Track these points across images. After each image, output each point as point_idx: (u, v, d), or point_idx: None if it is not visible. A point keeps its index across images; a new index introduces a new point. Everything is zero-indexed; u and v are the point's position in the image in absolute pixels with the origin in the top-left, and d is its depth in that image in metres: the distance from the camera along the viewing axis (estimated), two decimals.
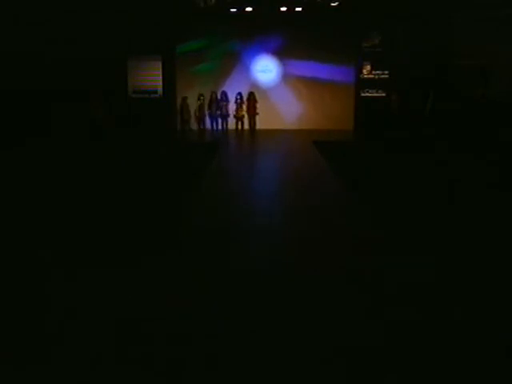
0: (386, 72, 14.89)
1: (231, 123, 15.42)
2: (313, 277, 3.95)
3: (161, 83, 15.01)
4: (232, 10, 14.14)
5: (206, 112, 15.30)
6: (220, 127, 15.45)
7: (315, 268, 4.13)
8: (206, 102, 15.24)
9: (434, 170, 8.63)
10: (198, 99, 15.23)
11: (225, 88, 15.31)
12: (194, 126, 15.43)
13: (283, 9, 14.17)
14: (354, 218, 5.81)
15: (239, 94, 15.12)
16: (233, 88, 15.21)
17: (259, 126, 15.31)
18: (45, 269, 4.08)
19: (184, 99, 15.14)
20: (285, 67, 15.42)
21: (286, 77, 15.47)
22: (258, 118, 15.28)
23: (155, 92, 15.04)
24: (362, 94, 15.08)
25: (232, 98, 15.21)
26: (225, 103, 15.30)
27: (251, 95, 15.08)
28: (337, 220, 5.68)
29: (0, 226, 5.33)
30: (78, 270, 4.04)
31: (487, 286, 3.78)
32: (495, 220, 5.57)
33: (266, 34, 14.92)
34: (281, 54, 15.30)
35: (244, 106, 15.23)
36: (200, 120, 15.39)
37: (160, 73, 14.94)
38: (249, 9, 14.11)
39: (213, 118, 15.39)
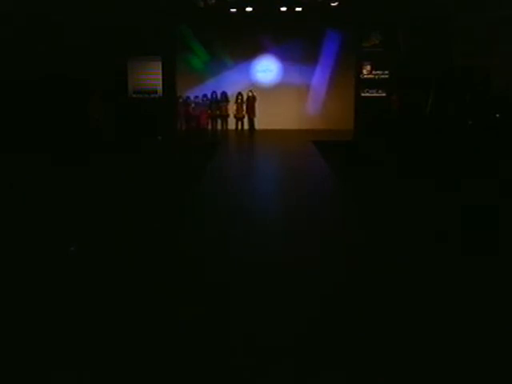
0: (386, 72, 14.89)
1: (231, 123, 15.41)
2: (313, 277, 3.96)
3: (160, 83, 15.00)
4: (232, 10, 14.14)
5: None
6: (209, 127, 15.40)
7: (315, 268, 4.14)
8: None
9: (434, 170, 8.62)
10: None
11: (225, 88, 15.30)
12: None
13: (283, 9, 14.17)
14: (354, 217, 5.81)
15: (240, 94, 15.10)
16: (232, 88, 15.19)
17: (259, 126, 15.29)
18: (45, 269, 4.08)
19: (186, 99, 15.13)
20: (285, 67, 15.42)
21: (285, 77, 15.47)
22: (257, 117, 15.26)
23: (155, 92, 15.04)
24: (362, 94, 15.07)
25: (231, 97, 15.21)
26: (225, 103, 15.30)
27: (250, 96, 15.06)
28: (336, 220, 5.68)
29: (0, 225, 5.34)
30: (77, 270, 4.04)
31: (488, 284, 3.80)
32: (495, 219, 5.57)
33: (266, 35, 14.91)
34: (281, 54, 15.31)
35: (244, 107, 15.21)
36: (182, 121, 15.27)
37: (160, 73, 14.94)
38: (249, 9, 14.11)
39: (212, 118, 15.39)
